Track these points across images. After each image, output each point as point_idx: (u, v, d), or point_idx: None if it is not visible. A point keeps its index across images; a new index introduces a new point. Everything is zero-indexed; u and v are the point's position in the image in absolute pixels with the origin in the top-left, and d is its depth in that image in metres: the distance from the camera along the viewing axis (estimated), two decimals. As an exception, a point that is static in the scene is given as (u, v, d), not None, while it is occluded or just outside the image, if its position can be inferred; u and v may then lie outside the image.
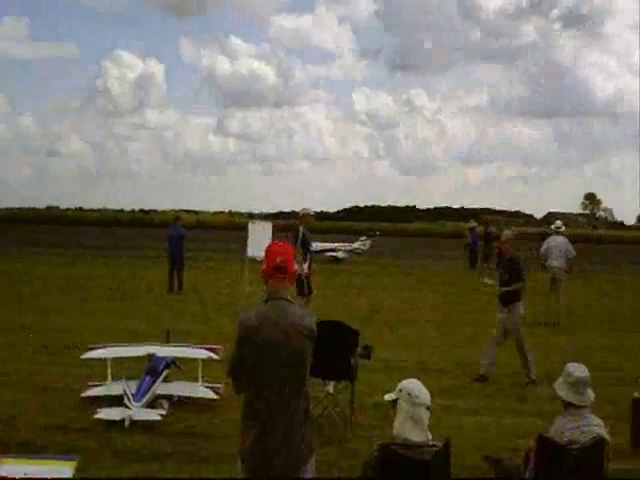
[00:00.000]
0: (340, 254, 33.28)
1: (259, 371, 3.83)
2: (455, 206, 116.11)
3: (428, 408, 3.89)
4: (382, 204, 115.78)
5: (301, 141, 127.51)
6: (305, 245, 12.30)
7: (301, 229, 12.37)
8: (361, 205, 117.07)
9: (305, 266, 12.14)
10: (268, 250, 4.01)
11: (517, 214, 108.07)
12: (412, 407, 3.85)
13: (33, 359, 10.11)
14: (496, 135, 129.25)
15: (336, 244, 35.08)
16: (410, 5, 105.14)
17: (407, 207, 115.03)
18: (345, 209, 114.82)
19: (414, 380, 4.04)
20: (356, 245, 35.30)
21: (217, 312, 14.51)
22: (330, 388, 7.60)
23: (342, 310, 14.30)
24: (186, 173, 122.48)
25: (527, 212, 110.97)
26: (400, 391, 3.98)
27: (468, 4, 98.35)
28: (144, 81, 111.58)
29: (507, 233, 10.71)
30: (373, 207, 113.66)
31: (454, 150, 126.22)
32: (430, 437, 3.89)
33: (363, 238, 36.37)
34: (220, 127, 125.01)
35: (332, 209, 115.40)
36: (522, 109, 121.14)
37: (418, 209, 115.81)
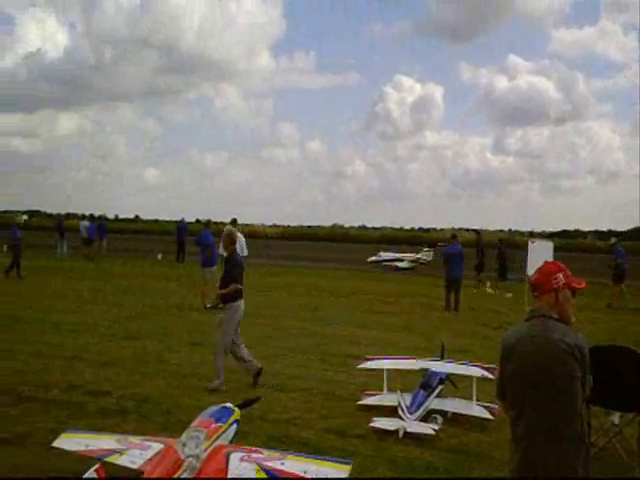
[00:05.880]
0: (403, 264, 34.09)
1: (518, 391, 3.68)
2: None
3: None
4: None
5: (586, 157, 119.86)
6: None
7: None
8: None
9: None
10: None
11: None
12: None
13: (315, 366, 10.72)
14: None
15: (401, 254, 35.71)
16: None
17: None
18: (637, 228, 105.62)
19: None
20: (420, 255, 35.56)
21: (495, 331, 14.15)
22: (615, 419, 7.00)
23: (625, 335, 13.18)
24: (465, 192, 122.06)
25: None
26: None
27: None
28: (423, 104, 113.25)
29: (227, 229, 9.45)
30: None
31: None
32: None
33: (426, 249, 36.69)
34: (499, 145, 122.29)
35: (622, 228, 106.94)
36: None
37: None
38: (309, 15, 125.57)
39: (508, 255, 24.80)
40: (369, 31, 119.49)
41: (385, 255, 36.05)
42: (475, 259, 24.61)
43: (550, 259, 16.77)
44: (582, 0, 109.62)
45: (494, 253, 25.71)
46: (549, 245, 19.49)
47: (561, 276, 3.77)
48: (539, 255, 18.73)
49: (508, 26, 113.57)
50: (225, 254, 9.68)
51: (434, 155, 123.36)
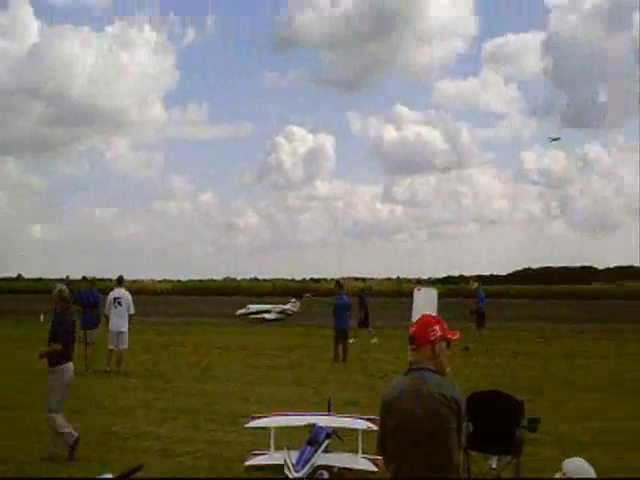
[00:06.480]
0: (271, 315, 35.35)
1: (399, 446, 3.75)
2: (638, 265, 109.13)
3: None
4: (556, 265, 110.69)
5: (470, 204, 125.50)
6: None
7: None
8: (534, 267, 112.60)
9: None
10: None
11: None
12: None
13: (203, 427, 10.52)
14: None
15: (269, 306, 37.06)
16: (580, 59, 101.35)
17: (584, 267, 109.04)
18: (517, 272, 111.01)
19: (577, 459, 3.76)
20: (286, 307, 36.96)
21: (381, 381, 14.38)
22: (493, 463, 7.26)
23: (510, 379, 13.77)
24: (355, 241, 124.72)
25: None
26: (562, 471, 3.74)
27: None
28: (314, 154, 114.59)
29: (58, 288, 9.29)
30: (547, 269, 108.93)
31: (633, 205, 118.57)
32: None
33: (293, 300, 38.19)
34: (387, 194, 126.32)
35: (503, 272, 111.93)
36: None
37: (596, 269, 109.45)
38: (202, 65, 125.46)
39: (369, 304, 25.74)
40: (263, 81, 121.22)
41: (253, 307, 36.74)
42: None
43: (435, 306, 17.31)
44: (464, 52, 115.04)
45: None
46: (433, 292, 20.08)
47: (437, 328, 3.89)
48: (424, 303, 19.34)
49: (396, 77, 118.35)
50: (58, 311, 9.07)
51: (325, 205, 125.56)
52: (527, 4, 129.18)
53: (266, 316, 35.27)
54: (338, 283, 21.05)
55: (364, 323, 24.72)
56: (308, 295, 45.15)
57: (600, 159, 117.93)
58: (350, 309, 19.31)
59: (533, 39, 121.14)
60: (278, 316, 35.80)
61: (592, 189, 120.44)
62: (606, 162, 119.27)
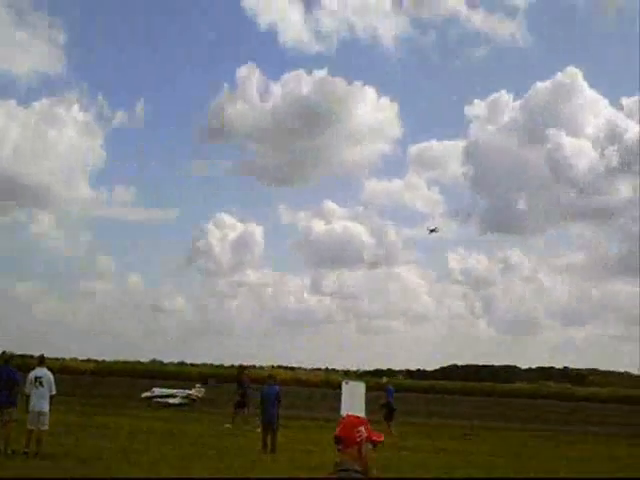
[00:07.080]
0: (175, 400, 35.32)
1: None
2: (558, 366, 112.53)
3: None
4: (480, 363, 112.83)
5: (396, 300, 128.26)
6: None
7: None
8: (459, 364, 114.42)
9: None
10: None
11: (625, 375, 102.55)
12: None
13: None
14: (597, 294, 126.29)
15: (174, 390, 37.19)
16: (499, 168, 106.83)
17: (507, 366, 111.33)
18: (443, 368, 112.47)
19: None
20: (191, 392, 37.12)
21: (309, 473, 14.32)
22: None
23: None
24: (283, 330, 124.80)
25: (636, 372, 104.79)
26: None
27: (559, 164, 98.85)
28: (243, 242, 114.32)
29: None
30: (471, 366, 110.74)
31: (553, 309, 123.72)
32: None
33: (198, 385, 38.87)
34: (316, 286, 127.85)
35: (429, 367, 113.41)
36: (621, 267, 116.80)
37: (519, 369, 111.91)
38: (131, 148, 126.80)
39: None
40: (193, 168, 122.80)
41: (158, 391, 36.40)
42: (236, 395, 25.58)
43: (362, 400, 17.48)
44: (391, 155, 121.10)
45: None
46: (361, 386, 20.32)
47: (363, 429, 3.90)
48: (352, 396, 19.54)
49: (324, 173, 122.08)
50: None
51: (254, 292, 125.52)
52: (449, 113, 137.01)
53: (170, 400, 34.92)
54: (269, 375, 21.07)
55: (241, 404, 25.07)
56: (213, 381, 44.91)
57: (521, 263, 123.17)
58: (279, 399, 19.21)
59: (455, 146, 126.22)
60: (183, 401, 35.45)
61: (513, 291, 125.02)
62: (527, 266, 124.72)
